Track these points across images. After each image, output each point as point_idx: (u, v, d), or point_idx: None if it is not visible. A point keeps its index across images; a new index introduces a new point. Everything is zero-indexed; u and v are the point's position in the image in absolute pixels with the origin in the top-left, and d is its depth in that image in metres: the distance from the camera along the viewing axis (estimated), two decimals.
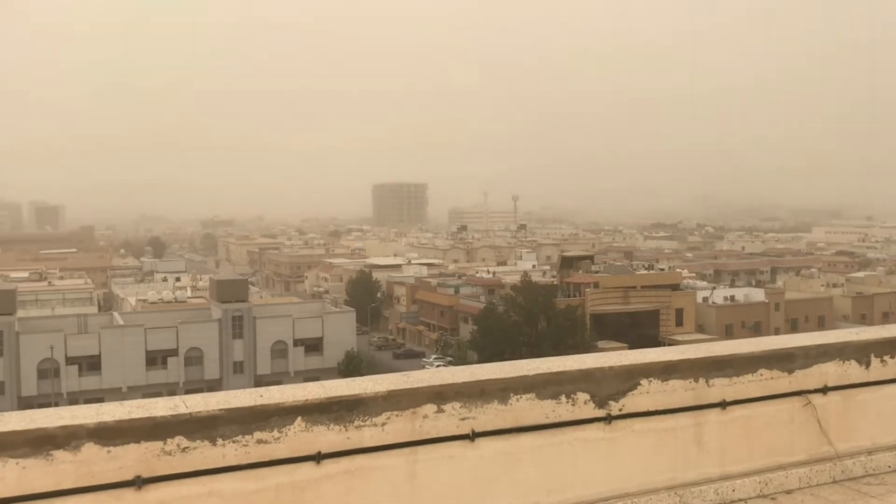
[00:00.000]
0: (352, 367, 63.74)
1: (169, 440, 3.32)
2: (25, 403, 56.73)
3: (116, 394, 58.55)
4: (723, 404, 4.62)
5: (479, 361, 62.95)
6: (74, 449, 3.17)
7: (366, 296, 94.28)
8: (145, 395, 59.11)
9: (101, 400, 57.83)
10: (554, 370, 4.22)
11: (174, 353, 61.91)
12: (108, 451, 3.23)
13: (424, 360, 76.05)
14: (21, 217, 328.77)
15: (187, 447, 3.35)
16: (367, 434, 3.70)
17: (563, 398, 4.19)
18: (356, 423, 3.69)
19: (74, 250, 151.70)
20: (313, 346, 67.38)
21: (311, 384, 3.84)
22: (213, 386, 62.13)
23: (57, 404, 56.77)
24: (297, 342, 66.54)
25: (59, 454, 3.16)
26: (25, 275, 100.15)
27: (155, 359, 61.65)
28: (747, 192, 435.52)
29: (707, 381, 4.60)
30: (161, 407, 3.42)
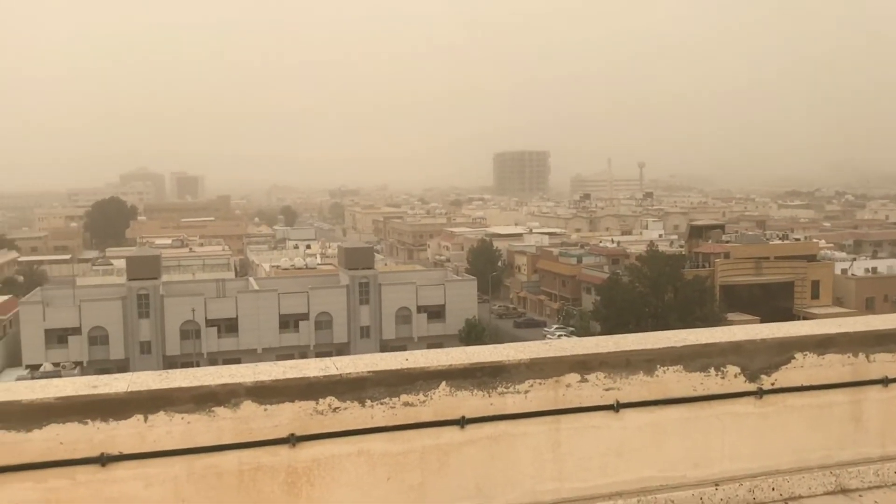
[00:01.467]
0: (473, 334, 64.33)
1: (321, 400, 3.42)
2: (169, 362, 60.56)
3: (252, 355, 61.55)
4: (885, 381, 4.33)
5: (602, 332, 62.11)
6: (234, 406, 3.32)
7: (487, 265, 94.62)
8: (278, 357, 61.79)
9: (237, 361, 61.10)
10: (703, 342, 4.07)
11: (305, 317, 64.31)
12: (265, 409, 3.35)
13: (546, 329, 75.77)
14: (164, 187, 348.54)
15: (338, 407, 3.44)
16: (510, 401, 3.69)
17: (712, 371, 4.04)
18: (499, 389, 3.68)
19: (213, 219, 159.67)
20: (436, 313, 68.40)
21: (454, 349, 3.86)
22: (342, 349, 64.26)
23: (198, 364, 60.35)
24: (420, 309, 67.72)
25: (220, 410, 3.31)
26: (169, 241, 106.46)
27: (287, 322, 64.27)
28: (891, 157, 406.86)
29: (867, 357, 4.32)
30: (313, 368, 3.52)
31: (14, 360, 58.07)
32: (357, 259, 67.99)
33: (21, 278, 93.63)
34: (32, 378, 53.10)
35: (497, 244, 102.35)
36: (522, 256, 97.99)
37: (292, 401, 3.39)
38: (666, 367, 3.96)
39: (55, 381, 3.41)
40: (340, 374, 3.46)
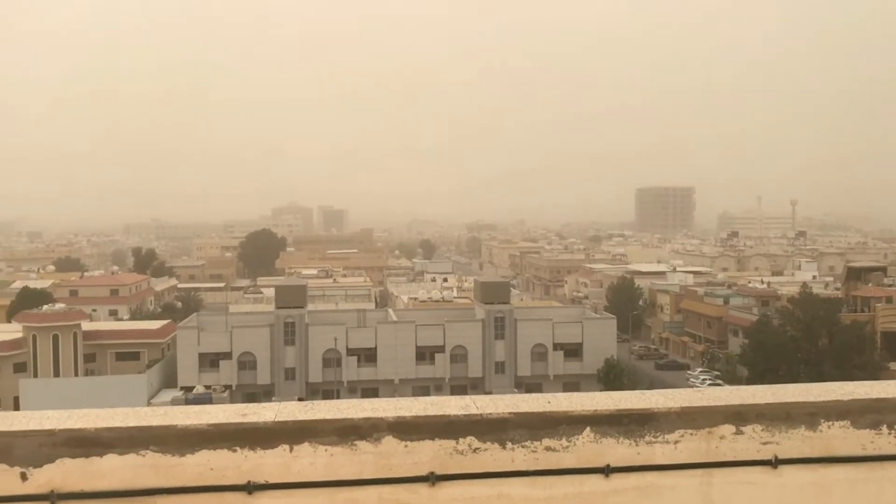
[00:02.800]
0: (612, 375, 62.75)
1: (461, 439, 3.36)
2: (312, 389, 62.60)
3: (389, 385, 62.67)
4: None
5: (750, 378, 59.05)
6: (375, 441, 3.32)
7: (627, 303, 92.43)
8: (415, 389, 62.65)
9: (375, 390, 62.39)
10: (873, 396, 3.73)
11: (441, 349, 64.91)
12: (406, 446, 3.33)
13: (689, 373, 72.94)
14: (312, 220, 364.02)
15: (478, 448, 3.37)
16: (659, 451, 3.50)
17: (885, 428, 3.68)
18: (647, 438, 3.50)
19: (356, 251, 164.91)
20: (573, 351, 67.28)
21: (598, 394, 3.72)
22: (476, 384, 64.32)
23: (338, 392, 62.07)
24: (556, 346, 66.83)
25: (362, 444, 3.31)
26: (314, 272, 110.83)
27: (424, 354, 65.09)
28: None
29: None
30: (454, 405, 3.47)
31: (170, 381, 61.74)
32: (493, 293, 68.11)
33: (179, 304, 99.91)
34: (186, 399, 56.35)
35: (638, 282, 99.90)
36: (665, 295, 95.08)
37: (432, 438, 3.35)
38: (831, 422, 3.64)
39: (208, 407, 3.53)
40: (481, 414, 3.40)
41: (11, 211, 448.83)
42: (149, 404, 54.12)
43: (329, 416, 3.33)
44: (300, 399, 52.47)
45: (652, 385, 64.08)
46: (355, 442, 3.30)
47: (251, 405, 3.52)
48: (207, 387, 60.08)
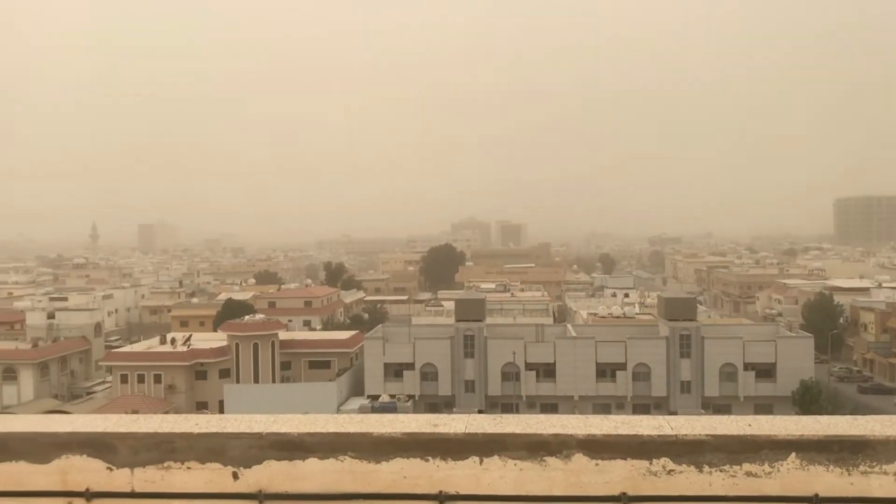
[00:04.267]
0: (808, 397, 58.53)
1: (654, 460, 3.25)
2: (490, 402, 63.10)
3: (569, 402, 61.95)
4: None
5: None
6: (565, 458, 3.27)
7: (825, 321, 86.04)
8: (595, 406, 61.53)
9: (555, 406, 61.91)
10: None
11: (622, 367, 63.37)
12: (596, 464, 3.26)
13: None
14: (490, 235, 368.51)
15: (673, 470, 3.24)
16: (876, 482, 3.21)
17: None
18: (861, 468, 3.22)
19: (533, 265, 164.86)
20: (765, 371, 63.43)
21: (804, 418, 3.47)
22: (660, 403, 62.18)
23: (517, 407, 62.16)
24: (747, 366, 63.30)
25: (552, 461, 3.28)
26: (492, 286, 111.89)
27: (604, 371, 63.80)
28: None
29: None
30: (646, 425, 3.37)
31: (358, 389, 64.48)
32: (678, 310, 65.65)
33: (366, 315, 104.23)
34: (372, 408, 58.61)
35: (838, 298, 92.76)
36: (869, 313, 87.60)
37: (624, 458, 3.26)
38: None
39: (401, 416, 3.64)
40: (676, 435, 3.27)
41: (217, 228, 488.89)
42: (338, 411, 56.80)
43: (518, 431, 3.33)
44: (480, 412, 53.02)
45: (856, 410, 59.11)
46: (545, 458, 3.28)
47: (441, 416, 3.59)
48: (392, 396, 62.14)
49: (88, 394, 72.85)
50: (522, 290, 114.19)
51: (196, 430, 3.51)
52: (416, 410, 60.53)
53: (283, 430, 3.48)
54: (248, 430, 3.50)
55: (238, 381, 64.47)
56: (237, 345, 66.00)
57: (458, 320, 65.72)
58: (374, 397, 62.18)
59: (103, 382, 74.78)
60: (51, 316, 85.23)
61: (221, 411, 60.37)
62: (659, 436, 3.27)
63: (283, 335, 69.43)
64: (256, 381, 65.04)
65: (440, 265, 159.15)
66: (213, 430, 3.51)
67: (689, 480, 3.23)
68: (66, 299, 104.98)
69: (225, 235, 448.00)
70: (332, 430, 3.44)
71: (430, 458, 3.33)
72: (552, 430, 3.31)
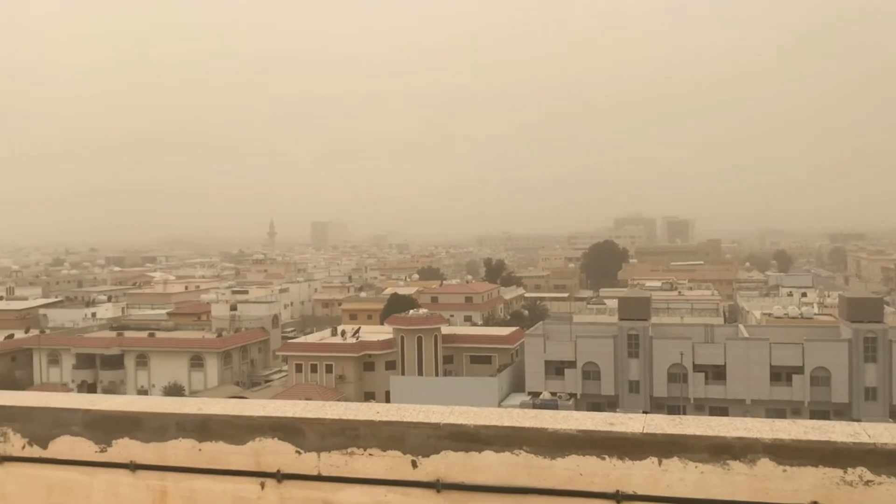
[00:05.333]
0: None
1: (850, 469, 3.05)
2: (656, 404, 61.36)
3: (740, 406, 59.13)
4: None
5: None
6: (750, 462, 3.14)
7: None
8: (768, 412, 58.39)
9: (725, 410, 59.28)
10: None
11: (799, 370, 59.73)
12: (784, 471, 3.11)
13: None
14: (655, 231, 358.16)
15: (871, 481, 3.03)
16: None
17: None
18: None
19: (702, 262, 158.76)
20: None
21: None
22: (842, 411, 58.07)
23: (684, 409, 60.08)
24: None
25: (735, 465, 3.16)
26: (658, 284, 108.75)
27: (779, 374, 60.38)
28: None
29: None
30: (839, 432, 3.17)
31: (518, 385, 64.64)
32: (862, 310, 61.01)
33: (526, 312, 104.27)
34: (533, 404, 58.56)
35: None
36: None
37: (815, 465, 3.09)
38: None
39: (575, 413, 3.62)
40: (874, 444, 3.05)
41: (384, 226, 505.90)
42: (499, 406, 57.21)
43: (699, 432, 3.23)
44: (645, 412, 51.67)
45: None
46: (728, 461, 3.16)
47: (617, 415, 3.54)
48: (553, 393, 61.84)
49: (266, 381, 77.57)
50: (690, 288, 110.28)
51: (378, 419, 3.65)
52: (577, 409, 59.92)
53: (460, 421, 3.55)
54: (426, 420, 3.60)
55: (403, 373, 66.43)
56: (402, 338, 68.03)
57: (621, 319, 64.40)
58: (535, 394, 62.12)
59: (279, 371, 79.34)
60: (233, 308, 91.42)
61: (388, 402, 62.43)
62: (855, 443, 3.06)
63: (445, 329, 70.86)
64: (420, 373, 66.75)
65: (602, 262, 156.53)
66: (394, 418, 3.64)
67: (891, 493, 3.00)
68: (246, 292, 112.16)
69: (391, 233, 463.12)
70: (507, 423, 3.48)
71: (606, 456, 3.30)
72: (736, 433, 3.18)
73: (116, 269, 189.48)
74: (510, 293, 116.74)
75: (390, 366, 68.43)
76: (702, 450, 3.19)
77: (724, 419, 3.41)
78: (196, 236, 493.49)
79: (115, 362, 77.83)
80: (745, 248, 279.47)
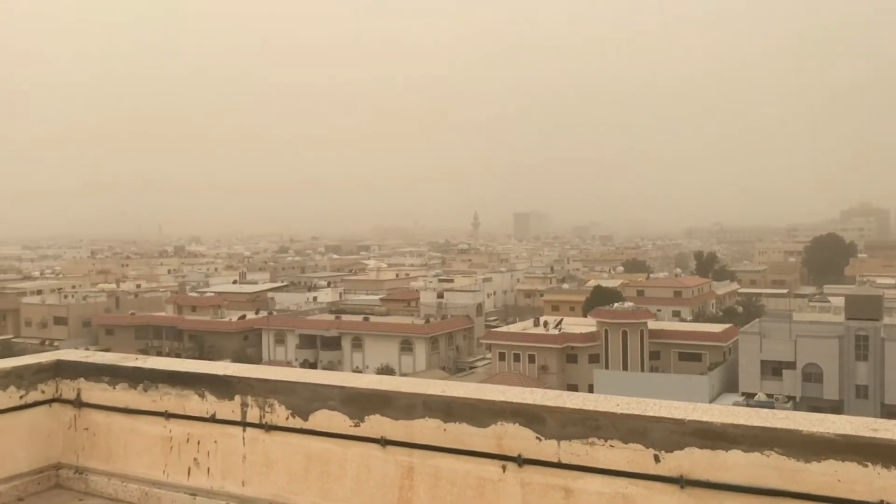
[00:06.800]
0: None
1: None
2: (888, 411, 56.11)
3: None
4: None
5: None
6: None
7: None
8: None
9: None
10: None
11: None
12: None
13: None
14: (888, 223, 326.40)
15: None
16: None
17: None
18: None
19: None
20: None
21: None
22: None
23: None
24: None
25: None
26: (892, 281, 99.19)
27: None
28: None
29: None
30: None
31: (730, 385, 61.58)
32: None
33: (740, 309, 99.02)
34: (748, 405, 55.60)
35: None
36: None
37: None
38: None
39: (831, 417, 3.45)
40: None
41: (586, 217, 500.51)
42: None
43: None
44: None
45: None
46: None
47: (879, 420, 3.35)
48: (769, 395, 58.37)
49: (471, 368, 79.55)
50: None
51: (618, 411, 3.68)
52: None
53: (705, 418, 3.50)
54: (668, 416, 3.58)
55: (607, 367, 65.50)
56: (606, 331, 67.07)
57: (848, 318, 59.52)
58: (749, 395, 58.94)
59: (483, 359, 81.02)
60: (440, 295, 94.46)
61: None
62: None
63: (651, 324, 68.99)
64: (625, 368, 65.51)
65: (826, 257, 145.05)
66: (635, 412, 3.65)
67: None
68: (452, 281, 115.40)
69: (593, 224, 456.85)
70: (756, 423, 3.38)
71: (869, 463, 3.12)
72: None
73: (335, 256, 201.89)
74: (723, 288, 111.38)
75: (593, 359, 67.71)
76: None
77: None
78: (406, 226, 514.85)
79: (334, 343, 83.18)
80: None
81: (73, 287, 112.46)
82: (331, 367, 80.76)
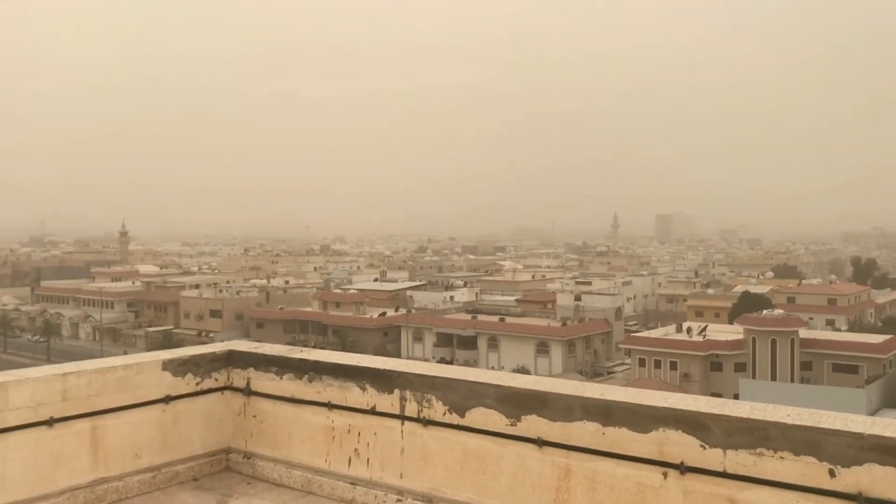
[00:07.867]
0: None
1: None
2: None
3: None
4: None
5: None
6: None
7: None
8: None
9: None
10: None
11: None
12: None
13: None
14: None
15: None
16: None
17: None
18: None
19: None
20: None
21: None
22: None
23: None
24: None
25: None
26: None
27: None
28: None
29: None
30: None
31: (891, 400, 57.36)
32: None
33: None
34: None
35: None
36: None
37: None
38: None
39: None
40: None
41: (733, 219, 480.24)
42: None
43: None
44: None
45: None
46: None
47: None
48: None
49: (609, 373, 78.07)
50: None
51: (789, 421, 3.55)
52: None
53: (887, 433, 3.32)
54: (845, 429, 3.42)
55: (754, 377, 62.65)
56: (754, 339, 64.16)
57: None
58: None
59: (622, 364, 79.33)
60: (577, 298, 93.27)
61: None
62: None
63: (803, 333, 65.40)
64: (773, 378, 62.43)
65: None
66: (808, 423, 3.51)
67: None
68: (590, 283, 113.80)
69: (741, 226, 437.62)
70: None
71: None
72: None
73: (471, 256, 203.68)
74: (883, 296, 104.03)
75: (739, 367, 64.88)
76: None
77: None
78: (542, 227, 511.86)
79: (470, 343, 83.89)
80: None
81: (228, 282, 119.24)
82: (467, 366, 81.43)
